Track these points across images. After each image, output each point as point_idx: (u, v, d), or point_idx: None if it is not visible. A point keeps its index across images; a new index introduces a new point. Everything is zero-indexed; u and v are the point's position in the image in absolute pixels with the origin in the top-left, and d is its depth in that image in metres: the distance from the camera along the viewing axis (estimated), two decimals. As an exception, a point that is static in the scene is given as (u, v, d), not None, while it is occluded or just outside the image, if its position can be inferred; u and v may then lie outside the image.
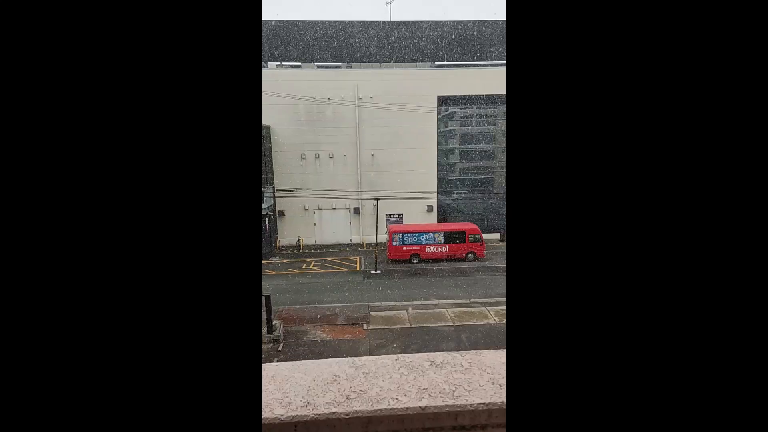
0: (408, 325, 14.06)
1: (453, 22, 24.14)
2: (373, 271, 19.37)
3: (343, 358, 1.07)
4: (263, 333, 12.72)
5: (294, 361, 1.07)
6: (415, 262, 20.42)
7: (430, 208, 24.46)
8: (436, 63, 24.59)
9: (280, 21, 23.39)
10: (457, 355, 1.09)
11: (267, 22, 23.23)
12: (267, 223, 21.57)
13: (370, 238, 22.40)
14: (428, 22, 24.32)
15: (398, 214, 24.11)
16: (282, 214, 23.76)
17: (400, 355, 1.09)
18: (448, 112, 25.51)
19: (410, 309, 15.15)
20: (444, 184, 25.13)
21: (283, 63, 24.10)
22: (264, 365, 1.05)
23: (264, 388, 0.96)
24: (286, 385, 0.96)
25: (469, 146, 25.91)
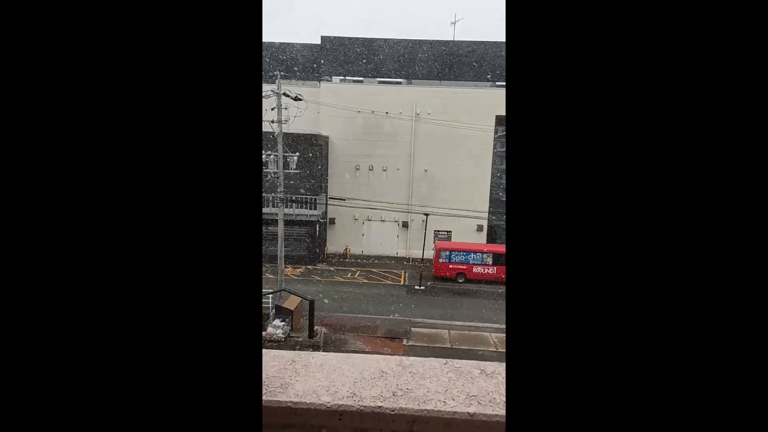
0: (449, 345, 13.71)
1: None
2: (417, 287, 19.17)
3: (391, 356, 1.07)
4: (305, 337, 12.97)
5: (342, 353, 1.08)
6: (460, 281, 19.96)
7: (480, 228, 23.87)
8: (497, 83, 24.28)
9: (345, 37, 24.36)
10: None
11: (331, 38, 24.30)
12: (318, 229, 22.16)
13: (417, 253, 22.22)
14: (491, 42, 24.19)
15: (447, 231, 23.77)
16: (332, 222, 24.30)
17: (448, 360, 1.06)
18: (505, 132, 24.94)
19: (452, 329, 14.78)
20: (496, 205, 24.46)
21: (347, 78, 24.97)
22: (313, 353, 1.07)
23: (312, 375, 0.97)
24: (334, 375, 0.97)
25: (525, 168, 24.98)
